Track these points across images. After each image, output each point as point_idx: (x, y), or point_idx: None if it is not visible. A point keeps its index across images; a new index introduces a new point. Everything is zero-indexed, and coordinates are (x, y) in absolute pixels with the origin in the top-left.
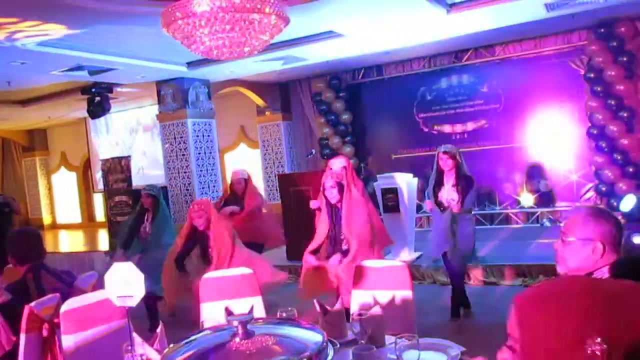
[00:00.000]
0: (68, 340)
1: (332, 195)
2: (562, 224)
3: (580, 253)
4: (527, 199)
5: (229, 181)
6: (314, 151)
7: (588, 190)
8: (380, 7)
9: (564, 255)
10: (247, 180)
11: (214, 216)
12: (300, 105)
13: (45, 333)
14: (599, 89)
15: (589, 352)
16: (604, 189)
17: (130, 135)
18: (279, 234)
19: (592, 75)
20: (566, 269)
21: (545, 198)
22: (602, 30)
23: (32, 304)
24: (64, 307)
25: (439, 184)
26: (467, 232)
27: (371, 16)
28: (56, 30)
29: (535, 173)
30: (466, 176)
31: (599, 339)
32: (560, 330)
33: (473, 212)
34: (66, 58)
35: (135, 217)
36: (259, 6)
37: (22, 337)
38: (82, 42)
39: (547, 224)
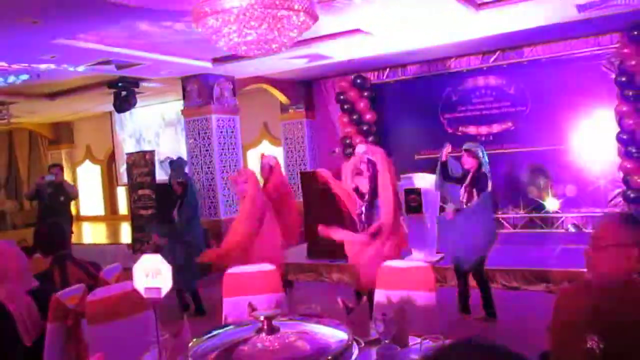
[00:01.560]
0: (92, 331)
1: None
2: (592, 230)
3: (616, 259)
4: (552, 204)
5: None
6: (336, 150)
7: (615, 197)
8: (408, 5)
9: (597, 262)
10: (273, 167)
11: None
12: (323, 103)
13: (70, 322)
14: (630, 93)
15: (588, 346)
16: (632, 195)
17: (154, 130)
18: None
19: (623, 79)
20: (597, 275)
21: (571, 203)
22: (635, 33)
23: (58, 293)
24: (89, 298)
25: (461, 181)
26: (475, 232)
27: (398, 15)
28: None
29: (560, 177)
30: (481, 175)
31: (596, 337)
32: (570, 322)
33: (488, 212)
34: (95, 52)
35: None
36: (288, 2)
37: (48, 326)
38: (111, 37)
39: (572, 229)
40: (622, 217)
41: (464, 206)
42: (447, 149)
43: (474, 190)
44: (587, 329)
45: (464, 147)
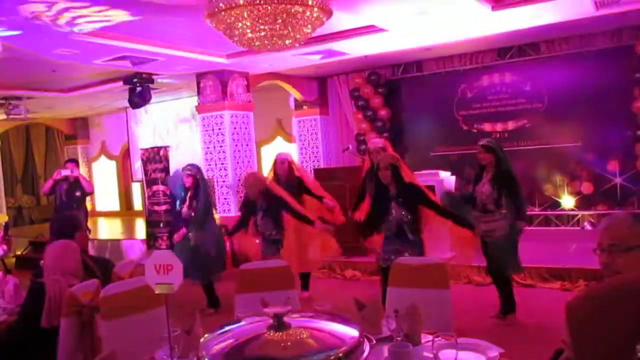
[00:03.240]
0: (106, 326)
1: (385, 175)
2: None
3: None
4: (568, 201)
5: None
6: (350, 146)
7: (632, 194)
8: (423, 1)
9: (622, 267)
10: (291, 163)
11: (269, 186)
12: (337, 100)
13: (84, 317)
14: None
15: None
16: None
17: (169, 126)
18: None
19: None
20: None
21: (587, 201)
22: None
23: (73, 288)
24: (102, 294)
25: (478, 179)
26: (497, 237)
27: (414, 11)
28: (118, 17)
29: (577, 175)
30: (506, 173)
31: None
32: (610, 334)
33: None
34: (111, 48)
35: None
36: None
37: (63, 320)
38: (127, 32)
39: (588, 227)
40: (635, 217)
41: (490, 200)
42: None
43: (499, 186)
44: (636, 339)
45: (480, 142)
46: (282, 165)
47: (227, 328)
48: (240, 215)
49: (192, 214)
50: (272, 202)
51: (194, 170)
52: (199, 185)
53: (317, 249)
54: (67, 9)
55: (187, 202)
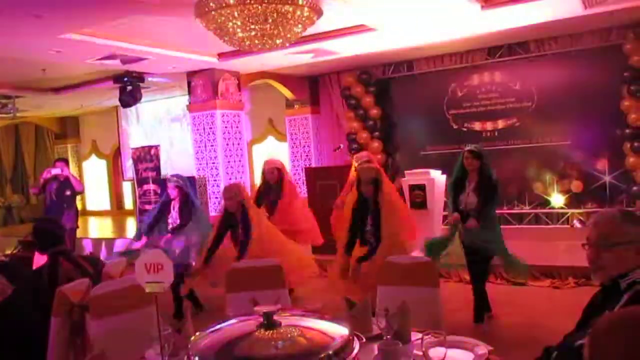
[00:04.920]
0: (96, 325)
1: (367, 190)
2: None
3: (627, 258)
4: (558, 200)
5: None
6: (341, 145)
7: (621, 192)
8: (413, 1)
9: (606, 262)
10: (281, 170)
11: (246, 199)
12: (329, 99)
13: (74, 317)
14: (635, 88)
15: None
16: (637, 191)
17: (159, 124)
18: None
19: (628, 74)
20: (604, 275)
21: (577, 199)
22: None
23: (63, 287)
24: (93, 293)
25: (461, 186)
26: (482, 238)
27: (404, 10)
28: None
29: (566, 173)
30: (489, 180)
31: None
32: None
33: (495, 216)
34: (101, 47)
35: (160, 207)
36: None
37: (53, 320)
38: (116, 31)
39: (578, 225)
40: (622, 214)
41: (473, 221)
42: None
43: (483, 194)
44: None
45: (467, 148)
46: (272, 174)
47: (217, 327)
48: (214, 234)
49: (177, 222)
50: (247, 219)
51: (181, 182)
52: (186, 199)
53: (293, 268)
54: None
55: (172, 211)
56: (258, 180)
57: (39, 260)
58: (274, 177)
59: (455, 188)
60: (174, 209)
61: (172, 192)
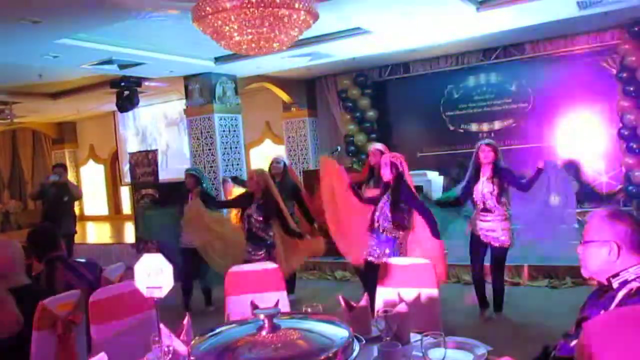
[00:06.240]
0: (95, 330)
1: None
2: (586, 224)
3: (598, 255)
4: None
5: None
6: (339, 148)
7: (618, 192)
8: (409, 3)
9: (584, 258)
10: (286, 166)
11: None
12: (325, 101)
13: (59, 331)
14: (631, 89)
15: None
16: (634, 190)
17: (157, 129)
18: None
19: (624, 74)
20: (589, 272)
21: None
22: (636, 29)
23: (46, 300)
24: (92, 298)
25: (474, 178)
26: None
27: (399, 13)
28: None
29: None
30: (503, 168)
31: None
32: None
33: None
34: (97, 52)
35: (179, 198)
36: (288, 1)
37: (34, 334)
38: (113, 36)
39: (575, 225)
40: (605, 212)
41: (493, 199)
42: None
43: (499, 181)
44: None
45: (484, 142)
46: (278, 164)
47: (217, 330)
48: (231, 198)
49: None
50: (268, 202)
51: (197, 172)
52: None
53: (303, 249)
54: None
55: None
56: None
57: (38, 267)
58: (279, 170)
59: (470, 180)
60: (191, 199)
61: (189, 181)
